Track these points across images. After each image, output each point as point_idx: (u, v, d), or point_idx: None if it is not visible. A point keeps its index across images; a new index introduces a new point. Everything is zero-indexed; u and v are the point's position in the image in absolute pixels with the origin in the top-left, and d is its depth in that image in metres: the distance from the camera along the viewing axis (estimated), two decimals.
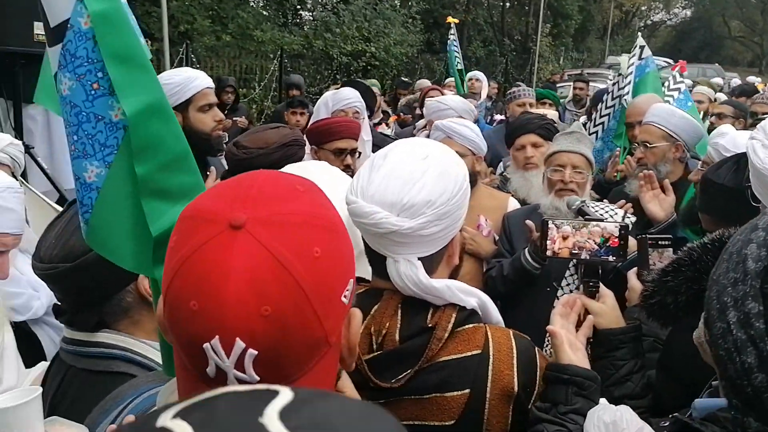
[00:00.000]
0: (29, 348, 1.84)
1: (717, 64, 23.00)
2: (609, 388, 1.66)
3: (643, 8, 35.94)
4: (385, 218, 1.18)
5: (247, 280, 0.67)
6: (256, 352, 0.67)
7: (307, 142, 3.01)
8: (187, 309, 0.68)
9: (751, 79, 16.58)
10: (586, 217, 2.12)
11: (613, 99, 4.60)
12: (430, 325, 1.24)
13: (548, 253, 1.84)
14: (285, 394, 0.44)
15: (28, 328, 1.91)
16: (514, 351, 1.28)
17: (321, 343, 0.72)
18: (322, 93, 13.57)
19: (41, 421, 1.09)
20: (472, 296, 1.28)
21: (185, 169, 1.03)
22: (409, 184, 1.20)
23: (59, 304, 1.40)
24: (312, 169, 1.85)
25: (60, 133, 4.50)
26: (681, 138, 2.93)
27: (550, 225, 1.84)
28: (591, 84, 9.92)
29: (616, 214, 2.56)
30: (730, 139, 2.47)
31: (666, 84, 5.04)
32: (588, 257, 1.81)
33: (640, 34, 5.48)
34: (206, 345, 0.67)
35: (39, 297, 1.95)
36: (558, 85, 13.77)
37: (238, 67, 13.91)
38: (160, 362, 1.33)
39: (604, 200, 2.78)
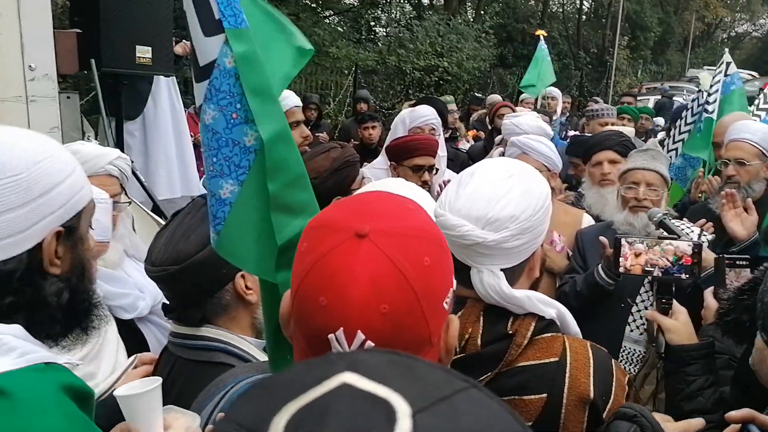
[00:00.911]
0: (136, 343, 2.02)
1: None
2: (680, 402, 1.67)
3: (726, 19, 34.32)
4: (471, 231, 1.27)
5: (369, 281, 0.78)
6: (374, 344, 0.78)
7: (380, 160, 3.10)
8: (316, 304, 0.79)
9: None
10: (664, 232, 2.13)
11: (693, 115, 4.48)
12: (510, 332, 1.30)
13: (621, 269, 1.87)
14: (402, 410, 0.42)
15: (134, 325, 2.09)
16: (591, 361, 1.32)
17: (425, 342, 0.82)
18: (394, 108, 13.80)
19: (161, 408, 1.21)
20: (552, 307, 1.34)
21: (303, 187, 1.18)
22: (494, 201, 1.28)
23: (168, 303, 1.56)
24: (392, 184, 1.96)
25: (154, 148, 4.83)
26: None
27: (623, 242, 1.88)
28: (674, 98, 9.64)
29: (692, 231, 2.54)
30: None
31: (756, 102, 4.85)
32: (660, 274, 1.83)
33: (727, 50, 5.29)
34: (331, 336, 0.78)
35: (144, 298, 2.12)
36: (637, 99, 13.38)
37: (314, 83, 14.32)
38: (255, 355, 1.47)
39: (684, 218, 2.75)
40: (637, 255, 1.86)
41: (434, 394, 0.44)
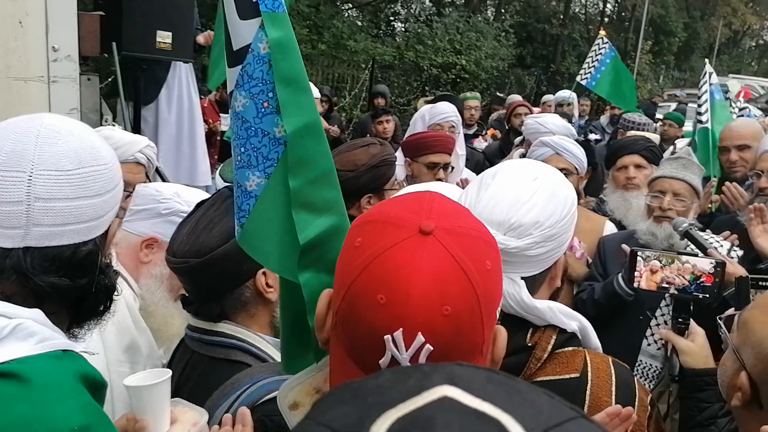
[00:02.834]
0: None
1: None
2: (692, 429, 1.61)
3: (755, 27, 33.77)
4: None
5: (433, 280, 0.73)
6: (432, 348, 0.73)
7: (398, 156, 3.08)
8: (373, 301, 0.74)
9: None
10: (690, 243, 2.07)
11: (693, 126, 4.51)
12: (529, 344, 1.25)
13: (635, 284, 1.81)
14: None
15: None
16: (613, 378, 1.27)
17: (477, 351, 0.78)
18: (410, 104, 13.76)
19: (168, 401, 1.20)
20: (574, 320, 1.29)
21: (329, 184, 1.12)
22: (517, 205, 1.22)
23: (186, 295, 1.53)
24: (437, 188, 1.92)
25: (167, 135, 4.83)
26: None
27: (638, 257, 1.81)
28: (689, 105, 9.60)
29: (722, 246, 2.47)
30: None
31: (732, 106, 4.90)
32: (676, 292, 1.77)
33: (707, 60, 5.30)
34: (387, 336, 0.73)
35: None
36: (659, 105, 13.27)
37: (330, 76, 14.28)
38: (272, 354, 1.44)
39: (707, 230, 2.69)
40: (653, 271, 1.80)
41: (546, 420, 0.41)
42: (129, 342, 1.64)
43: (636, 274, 1.82)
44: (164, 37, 4.02)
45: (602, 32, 8.00)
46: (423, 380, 0.43)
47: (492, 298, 0.78)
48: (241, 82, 1.11)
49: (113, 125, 3.35)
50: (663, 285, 1.78)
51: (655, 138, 4.18)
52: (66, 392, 0.94)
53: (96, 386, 1.02)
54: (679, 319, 1.73)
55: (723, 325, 1.30)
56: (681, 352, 1.65)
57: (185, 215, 1.57)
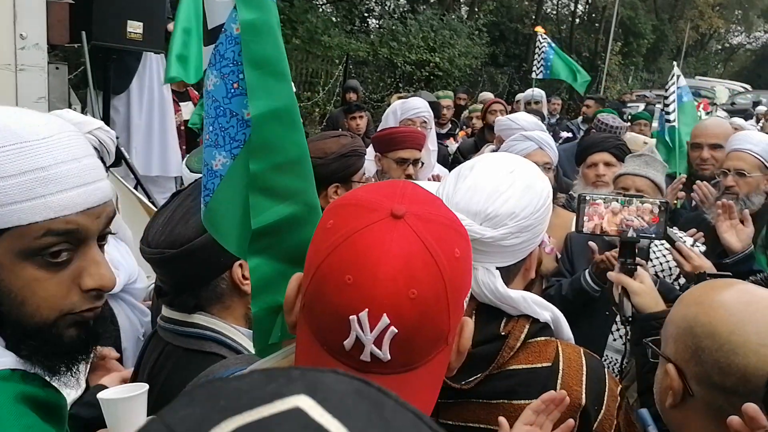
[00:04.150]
0: (102, 320, 1.98)
1: None
2: (646, 374, 1.62)
3: (721, 30, 34.52)
4: (468, 226, 1.22)
5: (401, 263, 0.74)
6: (396, 331, 0.74)
7: (368, 150, 3.09)
8: (341, 281, 0.75)
9: None
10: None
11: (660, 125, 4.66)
12: (503, 333, 1.28)
13: (593, 229, 1.74)
14: None
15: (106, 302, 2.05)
16: (584, 368, 1.30)
17: (443, 339, 0.79)
18: (383, 100, 13.76)
19: (144, 415, 1.17)
20: (547, 310, 1.32)
21: (298, 174, 1.11)
22: (494, 196, 1.25)
23: (161, 286, 1.51)
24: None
25: (137, 124, 4.77)
26: None
27: (584, 204, 1.75)
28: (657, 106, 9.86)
29: (685, 242, 2.53)
30: None
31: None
32: (635, 235, 1.73)
33: (675, 63, 5.49)
34: (353, 317, 0.74)
35: (119, 275, 2.08)
36: (628, 104, 13.54)
37: (304, 71, 14.20)
38: (247, 346, 1.43)
39: (674, 227, 2.76)
40: (615, 213, 1.75)
41: None
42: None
43: (596, 218, 1.75)
44: (135, 27, 3.97)
45: (539, 29, 8.66)
46: (282, 387, 0.41)
47: (459, 286, 0.79)
48: (213, 61, 1.10)
49: None
50: (623, 227, 1.73)
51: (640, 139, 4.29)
52: (6, 415, 0.86)
53: (49, 407, 0.94)
54: (627, 262, 1.72)
55: (651, 345, 1.31)
56: (633, 293, 1.65)
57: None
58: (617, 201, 1.76)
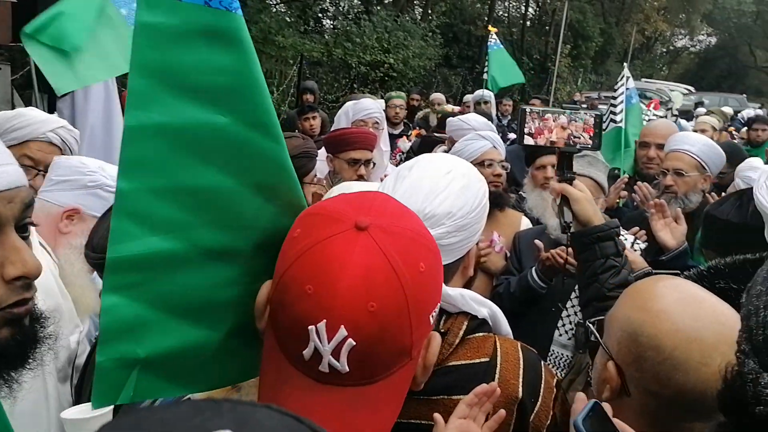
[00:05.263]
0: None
1: (743, 94, 22.84)
2: (583, 290, 1.69)
3: (666, 34, 35.68)
4: None
5: (362, 275, 0.74)
6: (354, 343, 0.74)
7: (319, 152, 3.09)
8: (301, 291, 0.75)
9: None
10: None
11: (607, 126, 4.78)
12: (442, 330, 1.29)
13: (542, 141, 1.77)
14: None
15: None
16: (521, 362, 1.32)
17: (405, 353, 0.78)
18: (338, 101, 13.73)
19: None
20: (484, 307, 1.34)
21: (187, 205, 0.93)
22: (431, 196, 1.27)
23: None
24: (356, 188, 1.94)
25: (84, 126, 4.63)
26: (710, 169, 2.95)
27: (527, 115, 1.77)
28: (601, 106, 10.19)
29: (627, 240, 2.63)
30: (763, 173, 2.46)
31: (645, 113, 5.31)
32: (578, 149, 1.79)
33: (626, 64, 5.68)
34: (311, 327, 0.74)
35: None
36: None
37: None
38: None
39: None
40: (563, 128, 1.77)
41: None
42: (54, 306, 1.55)
43: (545, 132, 1.77)
44: None
45: (492, 29, 8.94)
46: (208, 422, 0.40)
47: (424, 299, 0.78)
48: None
49: None
50: (570, 142, 1.77)
51: None
52: None
53: None
54: (566, 173, 1.78)
55: (592, 327, 1.34)
56: (573, 200, 1.69)
57: (111, 189, 1.52)
58: (564, 114, 1.80)
